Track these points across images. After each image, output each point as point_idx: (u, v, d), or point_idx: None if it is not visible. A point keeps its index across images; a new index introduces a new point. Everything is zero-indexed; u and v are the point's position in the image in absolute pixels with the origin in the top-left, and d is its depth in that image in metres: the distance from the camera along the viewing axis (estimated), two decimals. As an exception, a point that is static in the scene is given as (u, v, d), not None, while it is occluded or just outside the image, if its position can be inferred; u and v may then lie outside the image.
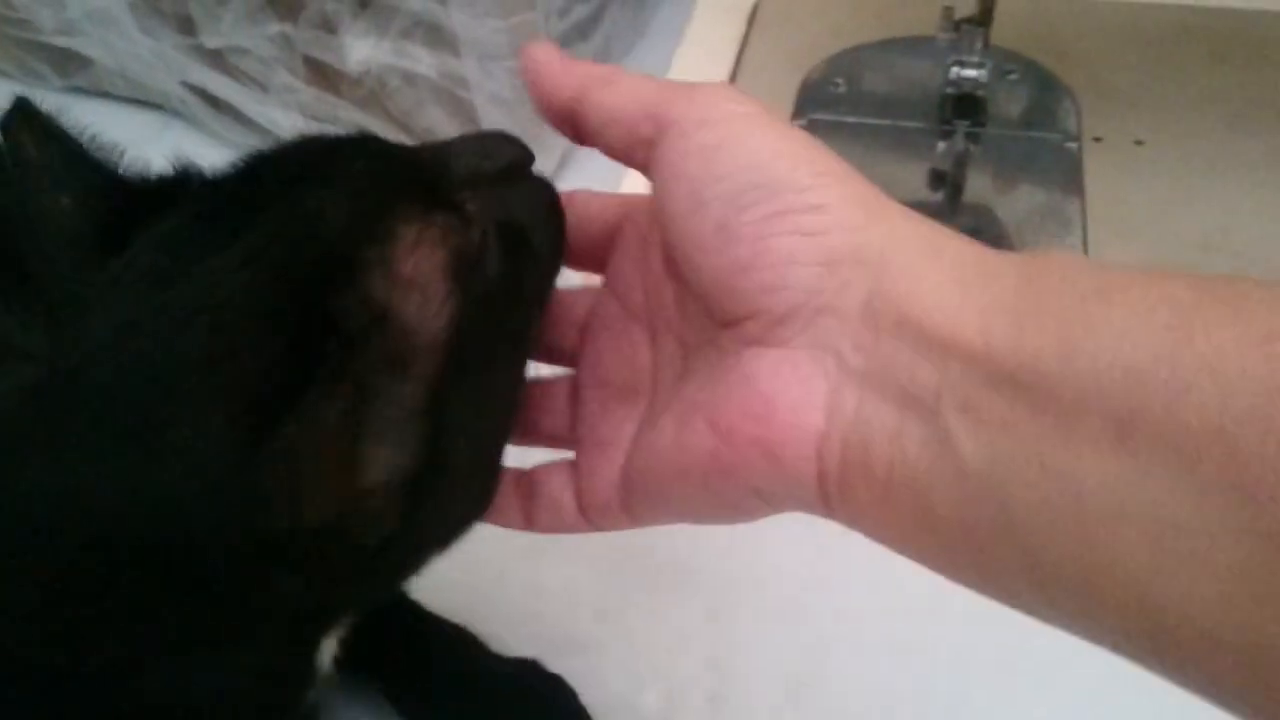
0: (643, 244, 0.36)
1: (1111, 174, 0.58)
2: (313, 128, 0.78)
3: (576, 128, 0.35)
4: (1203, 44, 0.65)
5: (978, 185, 0.60)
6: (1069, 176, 0.59)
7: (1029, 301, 0.27)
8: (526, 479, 0.36)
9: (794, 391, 0.30)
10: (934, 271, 0.28)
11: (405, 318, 0.30)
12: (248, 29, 0.75)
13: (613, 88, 0.34)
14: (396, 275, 0.30)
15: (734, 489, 0.31)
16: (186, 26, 0.78)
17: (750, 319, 0.30)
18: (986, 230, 0.58)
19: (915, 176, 0.62)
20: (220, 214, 0.31)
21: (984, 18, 0.60)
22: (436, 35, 0.71)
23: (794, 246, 0.30)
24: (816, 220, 0.30)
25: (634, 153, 0.33)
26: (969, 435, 0.26)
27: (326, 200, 0.30)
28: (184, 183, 0.36)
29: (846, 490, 0.29)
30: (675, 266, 0.33)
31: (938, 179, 0.61)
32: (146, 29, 0.79)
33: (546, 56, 0.35)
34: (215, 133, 0.82)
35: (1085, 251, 0.54)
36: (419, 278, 0.30)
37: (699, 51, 0.67)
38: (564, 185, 0.77)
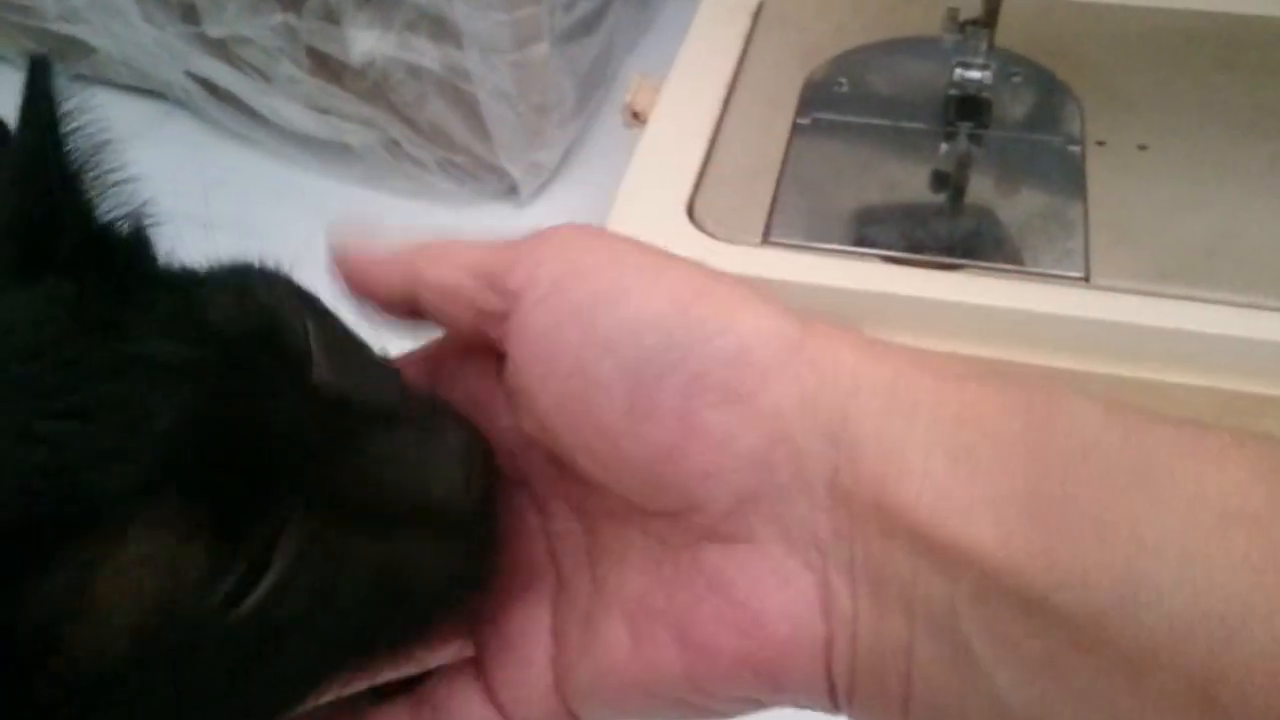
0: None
1: (1115, 178, 0.58)
2: (316, 119, 0.78)
3: (417, 314, 0.29)
4: (1208, 50, 0.65)
5: (980, 188, 0.60)
6: (1072, 180, 0.59)
7: (1050, 489, 0.22)
8: (425, 704, 0.29)
9: (780, 596, 0.24)
10: (912, 441, 0.23)
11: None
12: (251, 19, 0.75)
13: (442, 262, 0.28)
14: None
15: (719, 703, 0.26)
16: (190, 15, 0.78)
17: (692, 511, 0.25)
18: (988, 233, 0.57)
19: (918, 178, 0.61)
20: None
21: (989, 19, 0.60)
22: (440, 28, 0.71)
23: (726, 419, 0.24)
24: (744, 374, 0.24)
25: (486, 328, 0.27)
26: (1003, 666, 0.22)
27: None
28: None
29: (859, 700, 0.24)
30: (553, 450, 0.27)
31: (940, 181, 0.61)
32: (150, 17, 0.79)
33: (357, 248, 0.29)
34: (217, 122, 0.82)
35: (1086, 256, 0.54)
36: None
37: (703, 49, 0.66)
38: (569, 184, 0.78)
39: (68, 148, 0.28)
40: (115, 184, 0.29)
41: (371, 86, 0.75)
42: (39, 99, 0.28)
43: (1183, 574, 0.20)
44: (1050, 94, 0.64)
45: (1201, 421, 0.22)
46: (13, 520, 0.23)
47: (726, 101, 0.63)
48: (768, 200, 0.58)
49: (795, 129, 0.62)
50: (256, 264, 0.30)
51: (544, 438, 0.26)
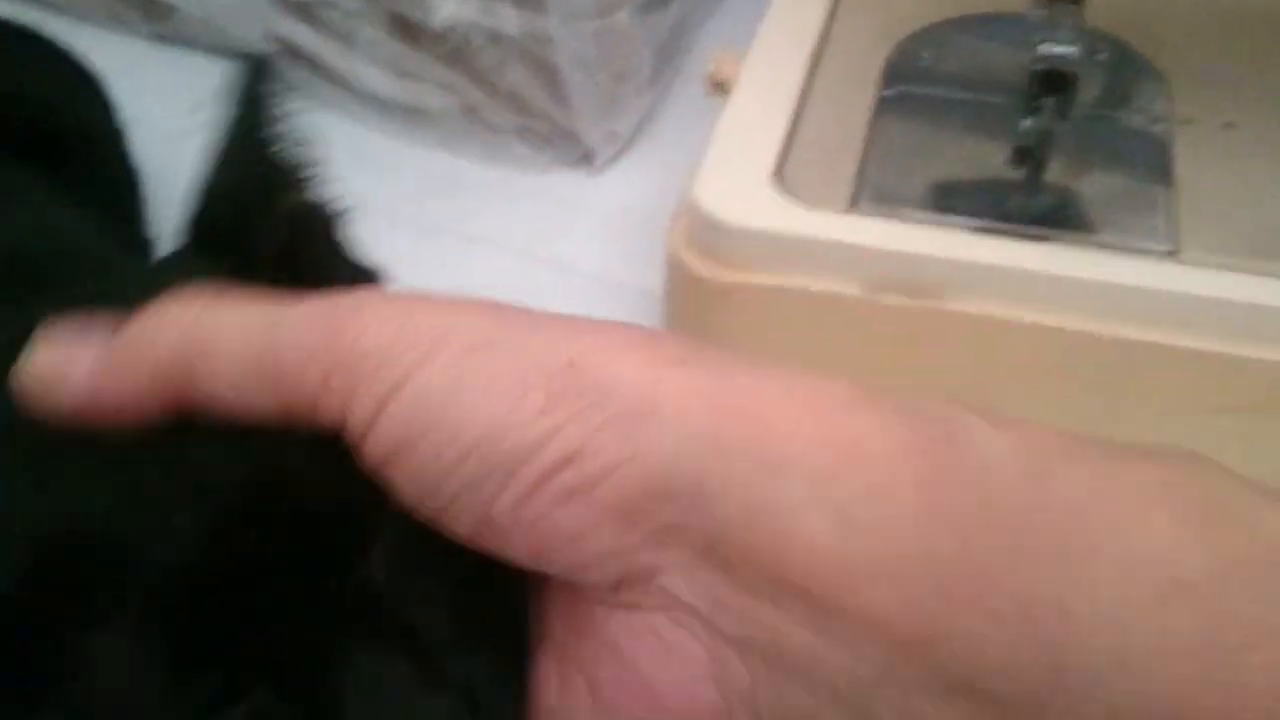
0: None
1: (1202, 156, 0.58)
2: (396, 83, 0.79)
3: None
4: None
5: (1063, 164, 0.60)
6: (1158, 157, 0.59)
7: (955, 556, 0.20)
8: None
9: (672, 670, 0.23)
10: (787, 504, 0.22)
11: None
12: (335, -20, 0.76)
13: (217, 355, 0.24)
14: None
15: None
16: (273, -24, 0.79)
17: (577, 588, 0.25)
18: (1073, 207, 0.58)
19: (997, 154, 0.61)
20: None
21: (1076, -5, 0.60)
22: (525, -7, 0.71)
23: (571, 519, 0.23)
24: (575, 473, 0.23)
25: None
26: None
27: None
28: None
29: None
30: None
31: (1023, 156, 0.61)
32: (234, -22, 0.80)
33: (85, 356, 0.25)
34: (296, 85, 0.83)
35: (1174, 231, 0.54)
36: None
37: (785, 21, 0.67)
38: (642, 154, 0.78)
39: (274, 148, 0.29)
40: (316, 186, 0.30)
41: (452, 51, 0.75)
42: (255, 97, 0.29)
43: (1123, 659, 0.19)
44: (1136, 72, 0.64)
45: (1115, 445, 0.21)
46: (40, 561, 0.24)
47: (810, 73, 0.63)
48: (853, 169, 0.58)
49: (880, 101, 0.62)
50: None
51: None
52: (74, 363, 0.25)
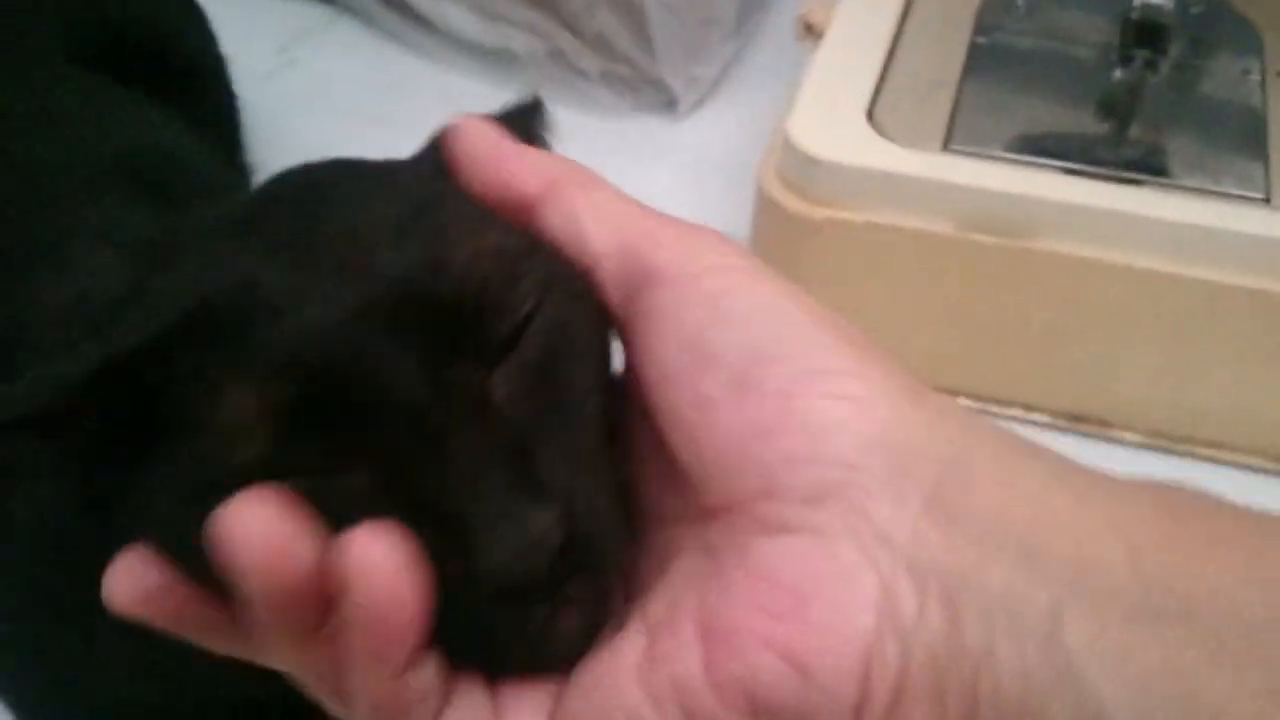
0: None
1: (1294, 108, 0.59)
2: (485, 26, 0.80)
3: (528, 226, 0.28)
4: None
5: (1156, 113, 0.61)
6: (1251, 108, 0.59)
7: (1184, 535, 0.22)
8: None
9: (833, 585, 0.23)
10: (1030, 476, 0.24)
11: None
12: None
13: (589, 198, 0.28)
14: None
15: (724, 710, 0.23)
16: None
17: (764, 499, 0.24)
18: (1166, 154, 0.58)
19: (1086, 104, 0.62)
20: None
21: (1174, -56, 0.60)
22: (616, -63, 0.72)
23: (833, 411, 0.24)
24: (860, 386, 0.24)
25: (602, 292, 0.27)
26: (1112, 676, 0.21)
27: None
28: None
29: (898, 715, 0.22)
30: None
31: (1108, 108, 0.62)
32: (327, -82, 0.82)
33: (492, 140, 0.29)
34: (385, 29, 0.84)
35: (1268, 179, 0.55)
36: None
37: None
38: (725, 101, 0.79)
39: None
40: None
41: (539, -3, 0.77)
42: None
43: None
44: (1229, 25, 0.64)
45: None
46: (200, 307, 0.26)
47: (904, 17, 0.64)
48: (947, 111, 0.59)
49: (972, 47, 0.63)
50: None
51: (652, 420, 0.26)
52: (498, 142, 0.29)
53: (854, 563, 0.23)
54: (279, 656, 0.25)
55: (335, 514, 0.24)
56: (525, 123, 0.34)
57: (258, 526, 0.23)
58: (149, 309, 0.26)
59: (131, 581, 0.25)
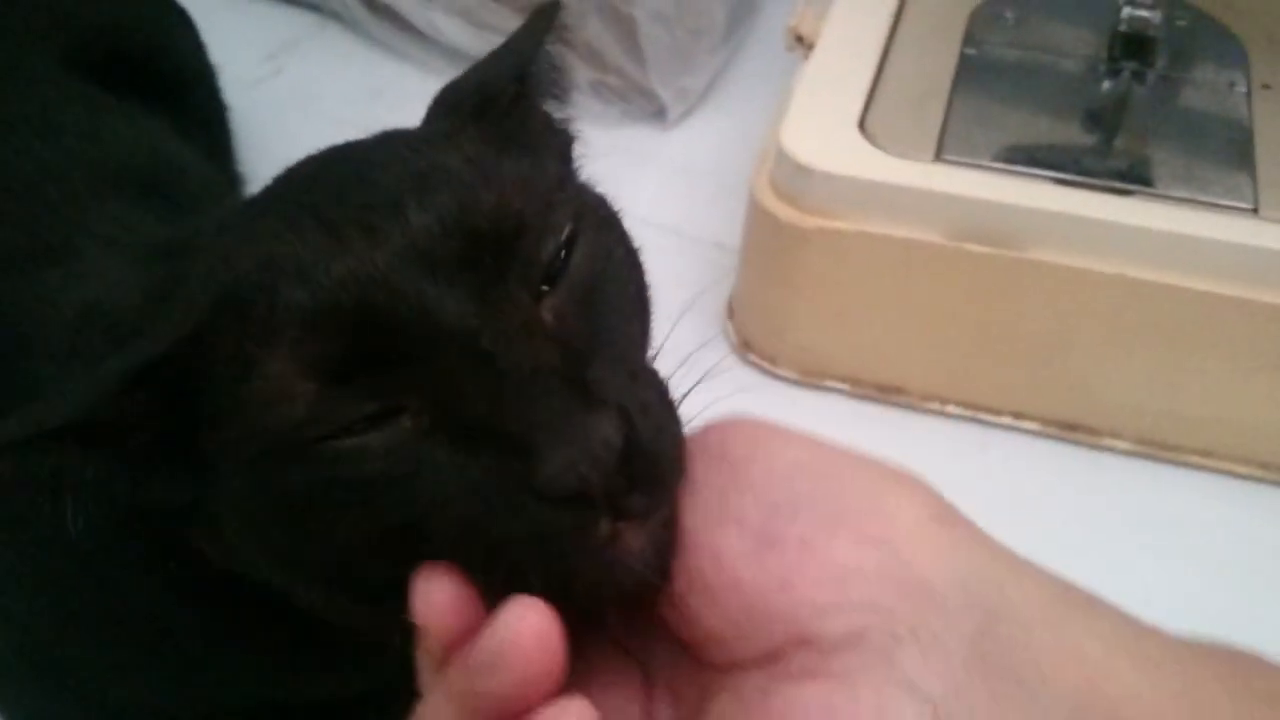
0: None
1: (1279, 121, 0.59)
2: (474, 34, 0.80)
3: None
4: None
5: (1142, 125, 0.61)
6: (1237, 120, 0.60)
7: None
8: None
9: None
10: (1088, 634, 0.23)
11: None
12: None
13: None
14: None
15: None
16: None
17: (792, 647, 0.24)
18: (1154, 165, 0.58)
19: (1070, 116, 0.62)
20: None
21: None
22: (608, -53, 0.72)
23: (857, 555, 0.24)
24: (881, 526, 0.24)
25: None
26: None
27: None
28: None
29: None
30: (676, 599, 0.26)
31: (1102, 117, 0.62)
32: (315, -73, 0.82)
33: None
34: (372, 36, 0.84)
35: (1255, 189, 0.55)
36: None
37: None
38: (713, 110, 0.79)
39: (538, 59, 0.35)
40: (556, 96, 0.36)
41: (531, 4, 0.76)
42: (535, 29, 0.35)
43: None
44: (1215, 38, 0.65)
45: None
46: (231, 289, 0.27)
47: (894, 28, 0.64)
48: (938, 122, 0.59)
49: (962, 59, 0.63)
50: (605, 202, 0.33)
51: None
52: None
53: (879, 708, 0.22)
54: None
55: (397, 453, 0.25)
56: (538, 28, 0.35)
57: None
58: (175, 310, 0.27)
59: (440, 595, 0.25)
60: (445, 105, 0.33)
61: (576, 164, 0.37)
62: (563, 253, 0.28)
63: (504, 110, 0.32)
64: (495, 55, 0.35)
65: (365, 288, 0.26)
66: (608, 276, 0.29)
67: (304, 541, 0.28)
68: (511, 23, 0.77)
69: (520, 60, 0.34)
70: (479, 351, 0.25)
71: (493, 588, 0.25)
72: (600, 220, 0.30)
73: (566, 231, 0.28)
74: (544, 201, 0.28)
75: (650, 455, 0.25)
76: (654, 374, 0.28)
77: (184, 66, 0.65)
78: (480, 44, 0.79)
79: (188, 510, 0.29)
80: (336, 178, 0.29)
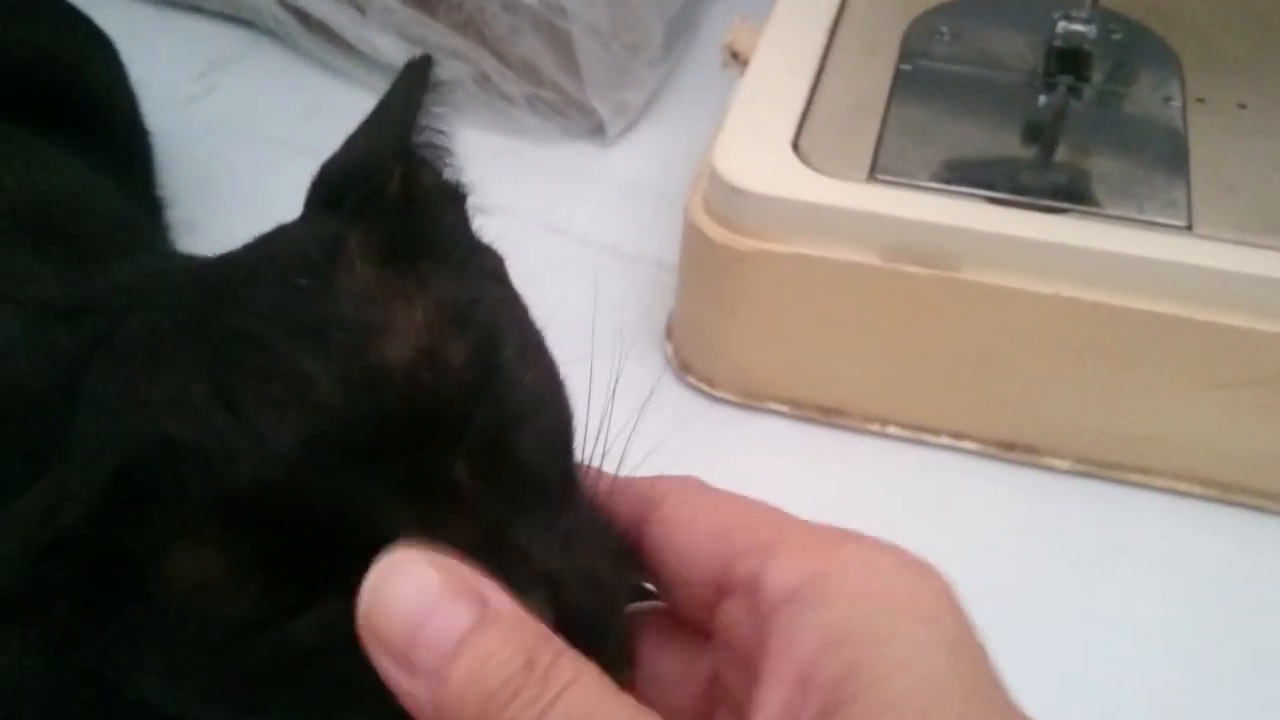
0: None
1: (1215, 134, 0.59)
2: (408, 51, 0.79)
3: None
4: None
5: (1078, 140, 0.61)
6: (1172, 135, 0.60)
7: None
8: None
9: None
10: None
11: None
12: (350, -53, 0.76)
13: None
14: None
15: None
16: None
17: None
18: (1089, 182, 0.58)
19: (1012, 130, 0.62)
20: None
21: (1093, -28, 0.60)
22: (541, -38, 0.71)
23: None
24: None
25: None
26: None
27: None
28: None
29: None
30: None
31: (1038, 132, 0.62)
32: (246, -58, 0.80)
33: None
34: (307, 52, 0.82)
35: (1189, 206, 0.55)
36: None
37: (803, -7, 0.67)
38: (654, 126, 0.79)
39: (419, 133, 0.31)
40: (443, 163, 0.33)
41: (465, 20, 0.75)
42: (410, 89, 0.32)
43: None
44: (1150, 52, 0.65)
45: None
46: (129, 469, 0.25)
47: (829, 45, 0.64)
48: (872, 140, 0.58)
49: (898, 75, 0.63)
50: (505, 291, 0.31)
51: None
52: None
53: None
54: None
55: (339, 636, 0.24)
56: (413, 88, 0.32)
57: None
58: (69, 465, 0.26)
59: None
60: (323, 197, 0.31)
61: (473, 227, 0.34)
62: (472, 409, 0.27)
63: (392, 201, 0.30)
64: (370, 127, 0.32)
65: (281, 483, 0.25)
66: (526, 413, 0.28)
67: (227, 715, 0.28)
68: (447, 39, 0.76)
69: (400, 131, 0.31)
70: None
71: None
72: (509, 334, 0.29)
73: (474, 377, 0.27)
74: (445, 342, 0.27)
75: (586, 621, 0.25)
76: (590, 520, 0.28)
77: (98, 91, 0.63)
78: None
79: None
80: (222, 327, 0.27)
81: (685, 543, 0.26)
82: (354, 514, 0.25)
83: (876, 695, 0.22)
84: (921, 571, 0.24)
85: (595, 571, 0.26)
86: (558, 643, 0.23)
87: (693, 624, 0.27)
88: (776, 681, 0.23)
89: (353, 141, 0.32)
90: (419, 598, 0.23)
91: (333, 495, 0.25)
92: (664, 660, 0.28)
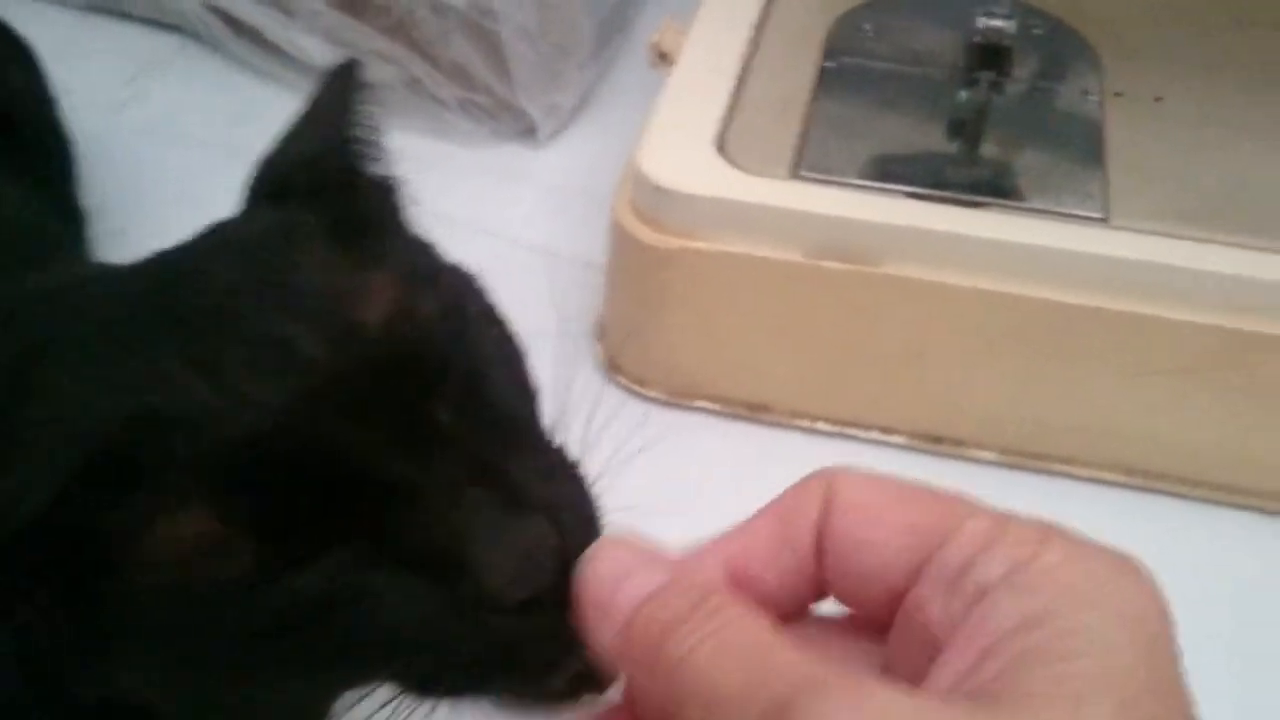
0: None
1: (1132, 127, 0.60)
2: (337, 54, 0.78)
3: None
4: (1221, 7, 0.67)
5: (1000, 134, 0.61)
6: (1090, 128, 0.60)
7: None
8: None
9: None
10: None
11: None
12: (275, -50, 0.76)
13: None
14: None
15: None
16: (216, -55, 0.78)
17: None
18: (1009, 176, 0.59)
19: (935, 126, 0.63)
20: None
21: (1012, -32, 0.61)
22: (468, -37, 0.71)
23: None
24: None
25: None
26: None
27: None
28: None
29: None
30: None
31: (960, 127, 0.62)
32: (171, -54, 0.79)
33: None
34: (235, 56, 0.82)
35: (1105, 198, 0.56)
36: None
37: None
38: (586, 128, 0.79)
39: (354, 124, 0.33)
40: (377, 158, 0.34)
41: (394, 23, 0.75)
42: (340, 90, 0.33)
43: None
44: (1069, 46, 0.65)
45: None
46: (101, 448, 0.25)
47: (754, 43, 0.64)
48: (795, 137, 0.59)
49: (822, 72, 0.63)
50: (457, 267, 0.33)
51: None
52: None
53: None
54: None
55: (336, 588, 0.25)
56: (344, 88, 0.34)
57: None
58: (27, 456, 0.26)
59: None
60: (265, 190, 0.32)
61: (405, 217, 0.35)
62: (448, 358, 0.28)
63: (337, 191, 0.31)
64: (304, 124, 0.33)
65: (274, 439, 0.25)
66: (495, 362, 0.30)
67: (221, 679, 0.28)
68: (376, 42, 0.76)
69: (334, 127, 0.32)
70: (398, 481, 0.26)
71: (451, 689, 0.27)
72: (469, 299, 0.30)
73: (446, 328, 0.28)
74: (415, 300, 0.28)
75: (582, 549, 0.26)
76: (564, 460, 0.29)
77: (13, 99, 0.62)
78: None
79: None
80: (185, 307, 0.27)
81: (877, 536, 0.26)
82: (349, 461, 0.25)
83: (1053, 672, 0.23)
84: (1129, 570, 0.25)
85: (579, 501, 0.28)
86: (723, 591, 0.24)
87: (870, 618, 0.27)
88: (958, 653, 0.24)
89: (289, 137, 0.33)
90: (619, 565, 0.24)
91: (326, 445, 0.25)
92: (850, 661, 0.27)
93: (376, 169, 0.34)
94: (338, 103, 0.33)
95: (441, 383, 0.27)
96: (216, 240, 0.30)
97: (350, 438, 0.25)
